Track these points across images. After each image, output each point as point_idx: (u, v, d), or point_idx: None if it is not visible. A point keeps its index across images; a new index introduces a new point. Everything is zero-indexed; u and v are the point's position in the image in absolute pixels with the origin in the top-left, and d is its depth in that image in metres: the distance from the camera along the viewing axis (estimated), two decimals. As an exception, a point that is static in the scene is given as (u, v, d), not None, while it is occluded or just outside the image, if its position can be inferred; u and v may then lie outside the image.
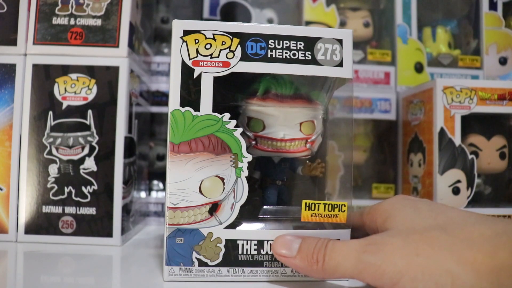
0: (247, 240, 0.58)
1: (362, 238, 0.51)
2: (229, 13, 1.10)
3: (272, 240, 0.57)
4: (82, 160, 0.77)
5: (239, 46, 0.58)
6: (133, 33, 0.83)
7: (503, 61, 1.08)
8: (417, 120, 0.95)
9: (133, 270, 0.65)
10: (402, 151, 1.03)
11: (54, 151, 0.77)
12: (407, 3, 1.08)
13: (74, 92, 0.77)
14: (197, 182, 0.57)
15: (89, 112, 0.77)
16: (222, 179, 0.58)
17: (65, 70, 0.77)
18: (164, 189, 1.05)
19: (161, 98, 1.05)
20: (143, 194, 0.97)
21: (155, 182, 1.06)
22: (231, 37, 0.58)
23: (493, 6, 1.08)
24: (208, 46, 0.58)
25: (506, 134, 0.90)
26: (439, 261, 0.44)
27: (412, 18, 1.08)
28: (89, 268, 0.65)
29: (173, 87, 0.58)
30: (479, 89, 0.86)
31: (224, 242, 0.58)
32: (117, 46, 0.79)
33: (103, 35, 0.79)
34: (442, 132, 0.86)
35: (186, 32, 0.58)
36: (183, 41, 0.58)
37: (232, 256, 0.58)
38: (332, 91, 0.67)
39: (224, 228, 0.57)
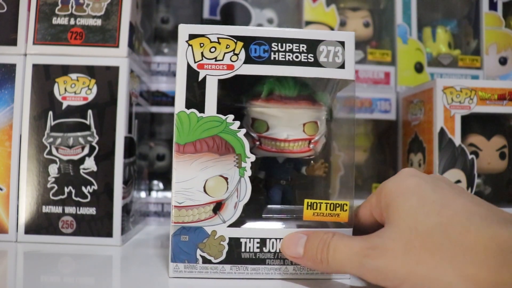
0: (250, 238, 0.60)
1: (364, 236, 0.52)
2: (229, 13, 1.10)
3: (274, 238, 0.60)
4: (82, 160, 0.78)
5: (243, 49, 0.60)
6: (133, 33, 0.84)
7: (503, 61, 1.09)
8: (417, 120, 0.96)
9: (133, 270, 0.66)
10: (402, 151, 1.04)
11: (54, 151, 0.78)
12: (407, 3, 1.09)
13: (74, 92, 0.78)
14: (201, 182, 0.59)
15: (89, 112, 0.78)
16: (226, 178, 0.60)
17: (65, 70, 0.79)
18: (164, 189, 1.06)
19: (161, 98, 1.05)
20: (143, 194, 0.98)
21: (155, 182, 1.07)
22: (235, 41, 0.60)
23: (493, 6, 1.09)
24: (212, 49, 0.60)
25: (506, 134, 0.92)
26: (441, 273, 0.45)
27: (412, 18, 1.09)
28: (89, 268, 0.66)
29: (179, 89, 0.60)
30: (479, 89, 0.87)
31: (227, 240, 0.60)
32: (117, 46, 0.80)
33: (103, 35, 0.80)
34: (442, 132, 0.87)
35: (192, 36, 0.60)
36: (189, 45, 0.60)
37: (235, 253, 0.60)
38: (335, 92, 0.69)
39: (227, 227, 0.60)
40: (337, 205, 0.60)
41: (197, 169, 0.60)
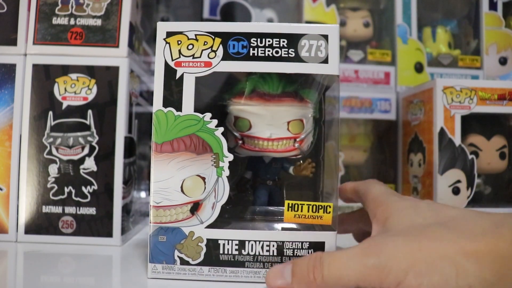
0: (228, 240, 0.57)
1: (359, 244, 0.50)
2: (229, 13, 1.10)
3: (254, 241, 0.57)
4: (82, 160, 0.76)
5: (221, 45, 0.57)
6: (133, 33, 0.83)
7: (503, 61, 1.08)
8: (417, 120, 0.94)
9: (133, 270, 0.64)
10: (402, 151, 1.03)
11: (54, 151, 0.76)
12: (407, 3, 1.08)
13: (74, 92, 0.77)
14: (179, 181, 0.57)
15: (89, 112, 0.77)
16: (203, 178, 0.57)
17: (65, 70, 0.77)
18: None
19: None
20: (143, 194, 0.96)
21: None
22: (213, 37, 0.57)
23: (493, 6, 1.08)
24: (190, 46, 0.58)
25: (506, 134, 0.90)
26: (442, 253, 0.44)
27: (412, 18, 1.08)
28: (89, 268, 0.65)
29: (157, 88, 0.58)
30: (479, 89, 0.85)
31: (205, 241, 0.57)
32: (117, 46, 0.78)
33: (103, 35, 0.78)
34: (442, 132, 0.85)
35: (169, 34, 0.58)
36: (166, 42, 0.58)
37: (213, 255, 0.57)
38: (322, 89, 0.65)
39: (205, 228, 0.57)
40: (320, 207, 0.57)
41: (174, 169, 0.57)
